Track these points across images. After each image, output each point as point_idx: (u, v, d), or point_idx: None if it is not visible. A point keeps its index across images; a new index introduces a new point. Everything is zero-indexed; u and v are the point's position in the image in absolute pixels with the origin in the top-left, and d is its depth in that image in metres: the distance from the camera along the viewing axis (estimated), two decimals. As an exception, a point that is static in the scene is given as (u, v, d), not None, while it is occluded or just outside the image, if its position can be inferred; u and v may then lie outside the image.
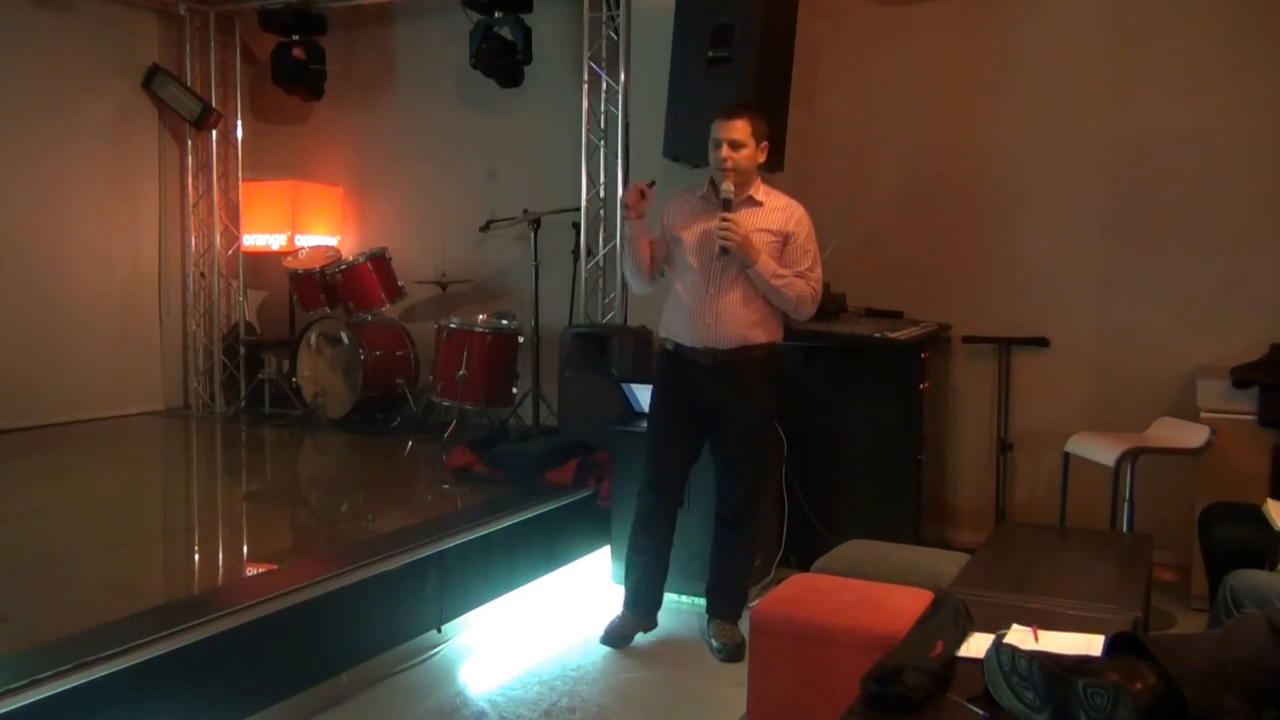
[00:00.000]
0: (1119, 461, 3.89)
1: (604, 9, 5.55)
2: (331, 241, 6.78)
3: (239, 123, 6.95)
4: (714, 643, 3.64)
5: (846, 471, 4.43)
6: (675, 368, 3.63)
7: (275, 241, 6.73)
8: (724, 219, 3.39)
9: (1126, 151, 4.73)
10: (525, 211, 5.68)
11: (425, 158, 6.51)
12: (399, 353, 6.27)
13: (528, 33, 5.80)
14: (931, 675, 1.89)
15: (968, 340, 4.98)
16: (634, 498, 3.77)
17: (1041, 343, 4.89)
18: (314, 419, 6.32)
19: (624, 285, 5.26)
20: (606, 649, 3.68)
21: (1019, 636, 2.05)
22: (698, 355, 3.54)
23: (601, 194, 5.67)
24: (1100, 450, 4.00)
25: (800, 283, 3.49)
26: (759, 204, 3.53)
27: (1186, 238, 4.64)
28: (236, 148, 6.95)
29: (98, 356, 6.49)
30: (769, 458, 3.78)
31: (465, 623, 3.76)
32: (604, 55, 5.59)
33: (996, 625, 2.15)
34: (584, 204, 5.66)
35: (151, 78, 6.67)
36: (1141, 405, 4.51)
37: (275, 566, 3.90)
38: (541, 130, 6.04)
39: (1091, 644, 2.01)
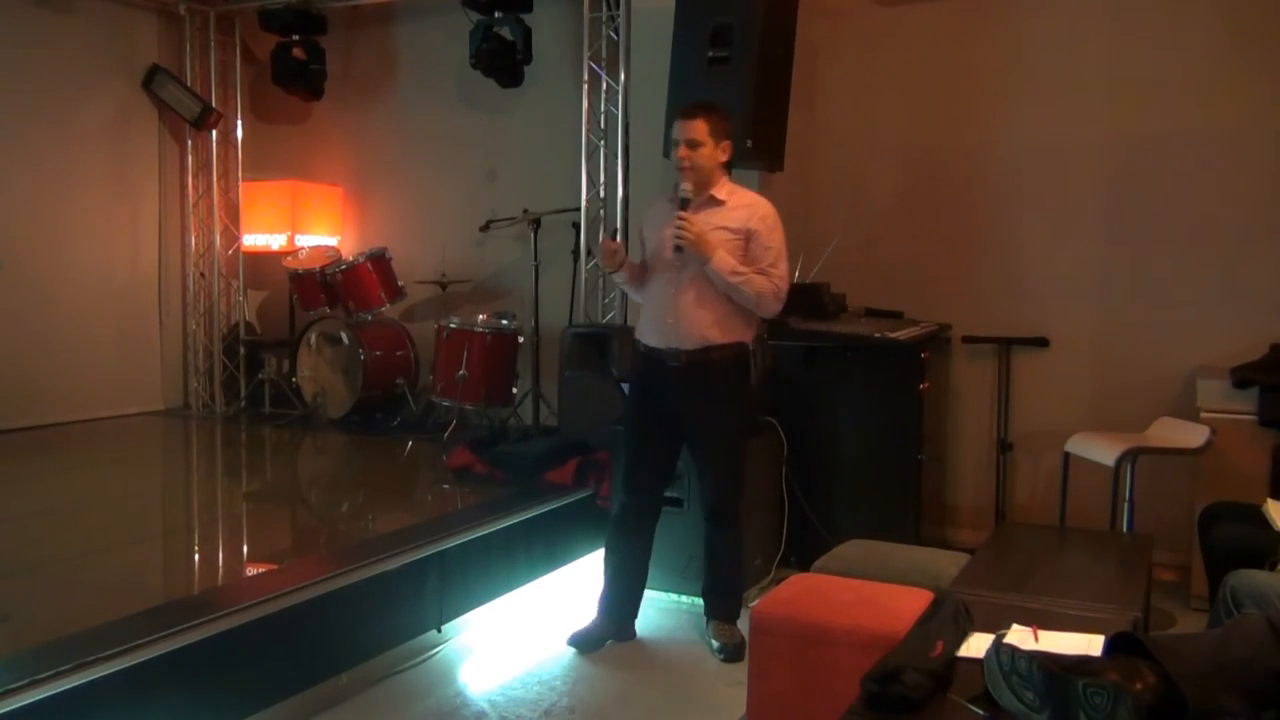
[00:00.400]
0: (1119, 461, 3.89)
1: (604, 9, 5.55)
2: (331, 241, 6.78)
3: (239, 123, 6.95)
4: (714, 643, 3.64)
5: (846, 471, 4.43)
6: (646, 369, 3.64)
7: (275, 241, 6.74)
8: (679, 217, 3.41)
9: (1126, 151, 4.73)
10: (525, 211, 5.68)
11: (425, 158, 6.51)
12: (399, 353, 6.27)
13: (528, 33, 5.80)
14: (931, 675, 1.89)
15: (968, 340, 4.99)
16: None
17: (1041, 343, 4.89)
18: (314, 419, 6.32)
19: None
20: (608, 649, 3.68)
21: (1019, 636, 2.05)
22: (664, 356, 3.55)
23: (601, 194, 5.67)
24: (1100, 450, 4.00)
25: (761, 279, 3.47)
26: (721, 203, 3.54)
27: (1186, 238, 4.64)
28: (236, 148, 6.95)
29: (98, 356, 6.49)
30: (743, 458, 3.72)
31: (465, 623, 3.76)
32: (604, 55, 5.59)
33: (996, 625, 2.15)
34: (584, 204, 5.65)
35: (151, 78, 6.67)
36: (1141, 405, 4.51)
37: (275, 566, 3.90)
38: (541, 130, 6.04)
39: (1091, 644, 2.01)
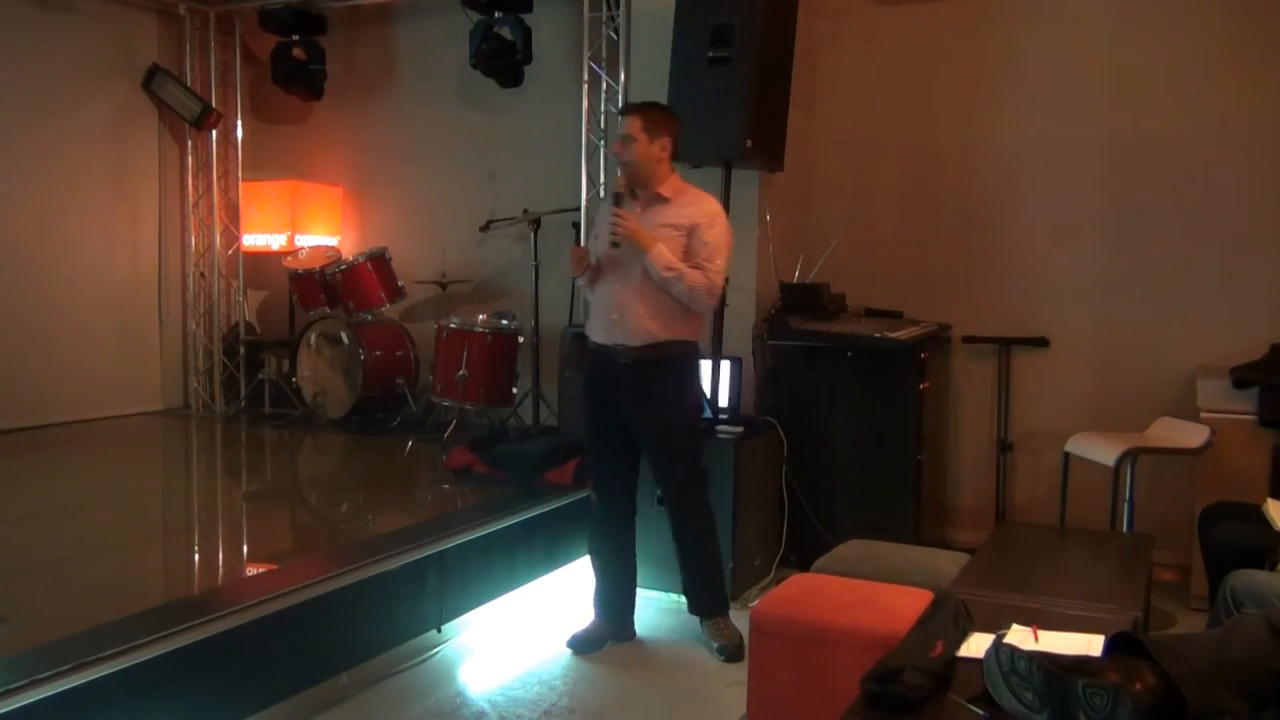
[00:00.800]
0: (1119, 461, 3.89)
1: (604, 9, 5.55)
2: (331, 241, 6.78)
3: (239, 123, 6.95)
4: (713, 644, 3.63)
5: (847, 471, 4.43)
6: (596, 366, 3.65)
7: (275, 241, 6.73)
8: (613, 212, 3.44)
9: (1126, 151, 4.73)
10: (525, 211, 5.68)
11: (425, 158, 6.51)
12: (399, 353, 6.27)
13: (528, 33, 5.80)
14: (931, 675, 1.89)
15: (968, 340, 4.99)
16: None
17: (1041, 343, 4.89)
18: (314, 419, 6.32)
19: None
20: (608, 649, 3.68)
21: (1019, 636, 2.05)
22: (612, 353, 3.56)
23: (601, 194, 5.67)
24: (1100, 450, 4.00)
25: (695, 274, 3.46)
26: (666, 200, 3.55)
27: (1186, 238, 4.64)
28: (236, 148, 6.95)
29: (98, 356, 6.49)
30: (700, 451, 3.71)
31: (465, 623, 3.76)
32: (604, 55, 5.59)
33: (996, 625, 2.15)
34: (584, 204, 5.65)
35: (151, 78, 6.67)
36: (1141, 405, 4.51)
37: (275, 566, 3.89)
38: (541, 130, 6.04)
39: (1091, 644, 2.01)
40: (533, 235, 5.67)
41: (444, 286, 6.13)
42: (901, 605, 2.60)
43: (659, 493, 3.84)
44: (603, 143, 5.63)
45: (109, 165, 6.58)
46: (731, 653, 3.57)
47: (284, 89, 6.60)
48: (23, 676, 2.42)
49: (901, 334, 4.36)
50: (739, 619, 3.66)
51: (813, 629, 2.67)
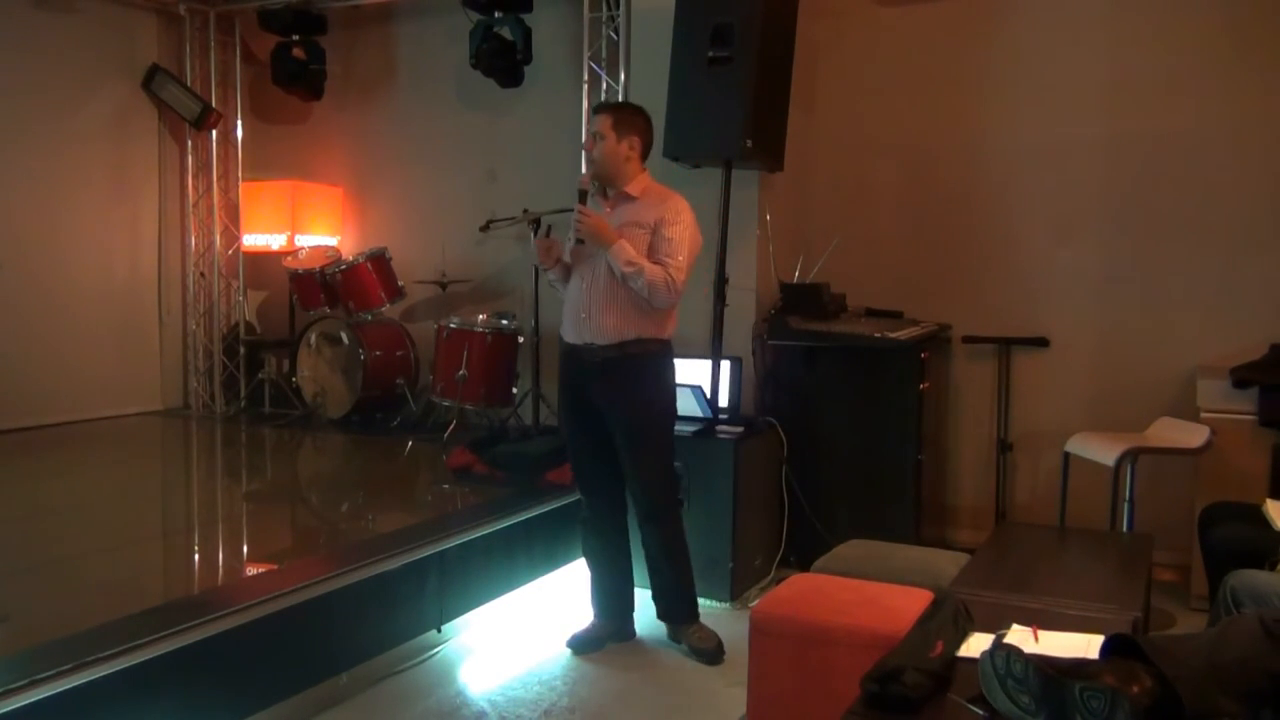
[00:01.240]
0: (1119, 461, 3.89)
1: (604, 9, 5.55)
2: (331, 241, 6.78)
3: (239, 123, 6.95)
4: (693, 650, 3.61)
5: (847, 471, 4.43)
6: (569, 366, 3.65)
7: (275, 241, 6.73)
8: (578, 209, 3.45)
9: (1126, 151, 4.73)
10: (525, 211, 5.68)
11: (425, 158, 6.51)
12: (399, 353, 6.27)
13: (528, 33, 5.80)
14: (931, 675, 1.89)
15: (968, 340, 4.99)
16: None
17: (1041, 343, 4.89)
18: (314, 419, 6.32)
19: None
20: (608, 649, 3.68)
21: (1019, 636, 2.05)
22: (582, 353, 3.56)
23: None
24: (1100, 450, 4.00)
25: (655, 269, 3.45)
26: (633, 199, 3.56)
27: (1186, 238, 4.64)
28: (236, 148, 6.95)
29: (98, 356, 6.49)
30: (671, 453, 3.69)
31: (465, 623, 3.76)
32: (604, 55, 5.59)
33: (996, 625, 2.15)
34: (584, 204, 5.64)
35: (151, 78, 6.67)
36: (1141, 405, 4.51)
37: (275, 566, 3.90)
38: (541, 130, 6.04)
39: (1091, 644, 2.01)
40: (532, 235, 5.66)
41: (444, 286, 6.13)
42: (901, 605, 2.61)
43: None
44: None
45: (109, 165, 6.58)
46: (711, 655, 3.57)
47: (284, 89, 6.60)
48: (23, 676, 2.42)
49: (901, 334, 4.36)
50: (739, 619, 3.66)
51: (813, 629, 2.67)
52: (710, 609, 3.91)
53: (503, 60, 5.82)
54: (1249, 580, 2.53)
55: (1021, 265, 4.94)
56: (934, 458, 4.71)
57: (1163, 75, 4.66)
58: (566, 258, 3.65)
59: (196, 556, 4.06)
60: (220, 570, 3.97)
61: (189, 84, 6.72)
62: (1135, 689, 1.64)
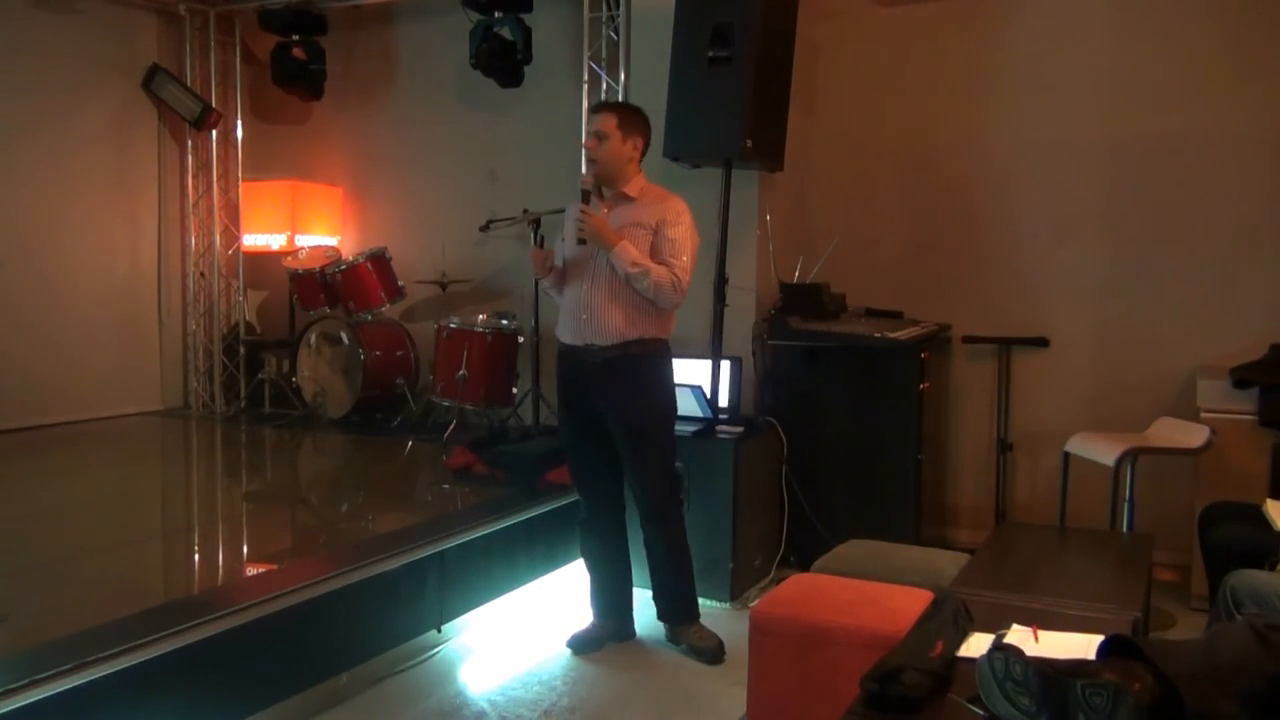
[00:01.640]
0: (1119, 461, 3.89)
1: (604, 9, 5.55)
2: (331, 241, 6.78)
3: (239, 123, 6.95)
4: (694, 650, 3.61)
5: (847, 471, 4.43)
6: (567, 368, 3.64)
7: (275, 241, 6.73)
8: (580, 209, 3.44)
9: (1126, 151, 4.73)
10: (525, 211, 5.67)
11: (425, 158, 6.51)
12: (399, 353, 6.27)
13: (528, 33, 5.80)
14: (931, 675, 1.89)
15: (968, 340, 4.99)
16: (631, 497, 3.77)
17: (1041, 343, 4.89)
18: (314, 419, 6.32)
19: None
20: (608, 649, 3.68)
21: (1019, 637, 2.05)
22: (582, 354, 3.55)
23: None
24: (1100, 450, 4.00)
25: (660, 269, 3.46)
26: (632, 200, 3.56)
27: (1186, 238, 4.64)
28: (236, 148, 6.95)
29: (97, 356, 6.48)
30: (672, 453, 3.69)
31: (465, 623, 3.76)
32: (604, 55, 5.59)
33: (996, 625, 2.15)
34: (584, 204, 5.64)
35: (151, 78, 6.67)
36: (1141, 405, 4.51)
37: (275, 566, 3.90)
38: (541, 130, 6.04)
39: (1091, 644, 2.01)
40: (533, 235, 5.64)
41: (444, 286, 6.13)
42: (901, 605, 2.61)
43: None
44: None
45: (109, 165, 6.58)
46: (713, 654, 3.58)
47: (284, 89, 6.59)
48: (23, 676, 2.42)
49: (901, 334, 4.37)
50: (739, 619, 3.66)
51: (813, 629, 2.67)
52: (710, 609, 3.91)
53: (503, 60, 5.82)
54: (1249, 580, 2.53)
55: (1021, 265, 4.94)
56: (934, 458, 4.71)
57: (1163, 75, 4.66)
58: (558, 261, 3.64)
59: (196, 556, 4.06)
60: (220, 570, 3.96)
61: (189, 84, 6.72)
62: (1137, 686, 1.64)
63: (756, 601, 2.93)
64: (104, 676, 2.55)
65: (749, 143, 4.17)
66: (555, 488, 4.45)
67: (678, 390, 3.77)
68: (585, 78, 5.62)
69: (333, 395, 6.26)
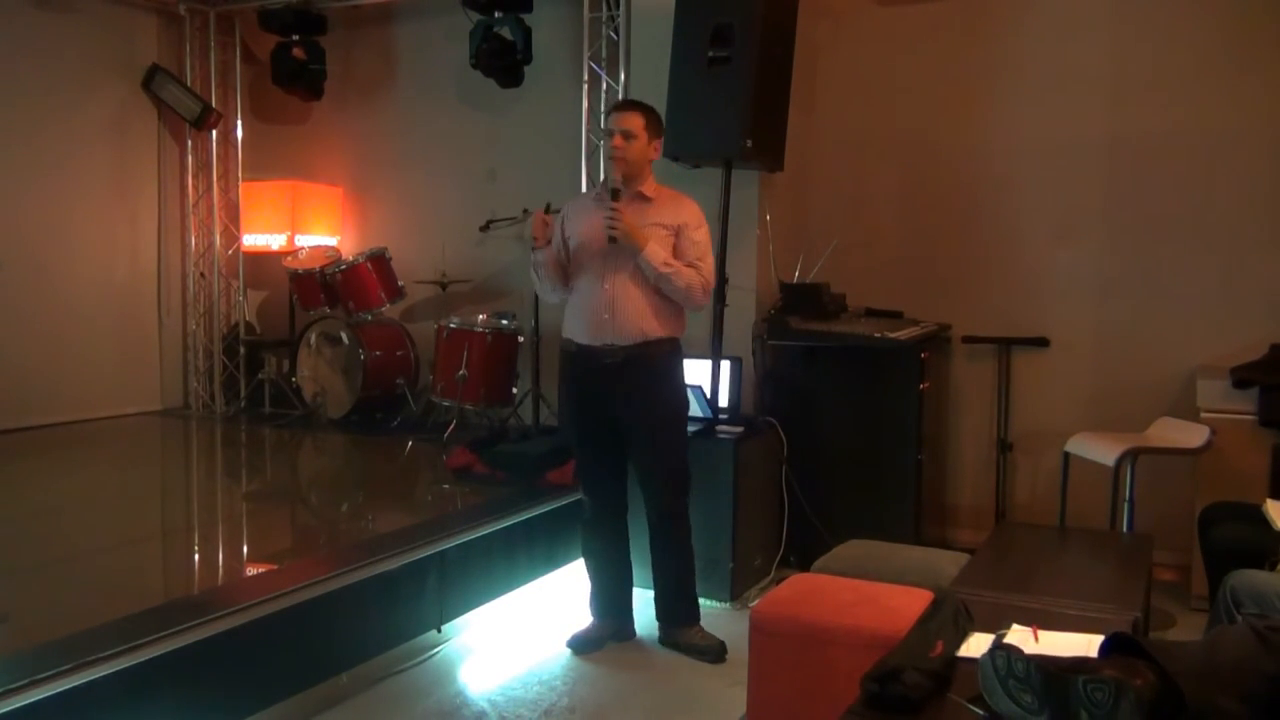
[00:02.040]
0: (1119, 461, 3.89)
1: (604, 9, 5.55)
2: (331, 241, 6.78)
3: (239, 123, 6.95)
4: (697, 650, 3.61)
5: (846, 471, 4.43)
6: (580, 370, 3.62)
7: (275, 241, 6.73)
8: (610, 208, 3.42)
9: (1126, 151, 4.73)
10: (525, 211, 5.68)
11: (425, 158, 6.51)
12: (399, 353, 6.27)
13: (528, 33, 5.80)
14: (931, 675, 1.89)
15: (968, 340, 4.99)
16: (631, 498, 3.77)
17: (1041, 343, 4.89)
18: (314, 419, 6.32)
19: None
20: (608, 649, 3.68)
21: (1019, 636, 2.05)
22: (599, 354, 3.53)
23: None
24: (1100, 450, 4.00)
25: (690, 271, 3.48)
26: (648, 200, 3.56)
27: (1186, 238, 4.64)
28: (236, 148, 6.95)
29: (97, 356, 6.49)
30: (687, 452, 3.69)
31: (465, 623, 3.76)
32: (604, 55, 5.59)
33: (996, 625, 2.15)
34: (584, 204, 5.64)
35: (151, 78, 6.67)
36: (1141, 405, 4.51)
37: (275, 566, 3.89)
38: (541, 130, 6.04)
39: (1091, 644, 2.01)
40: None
41: (444, 286, 6.13)
42: (901, 605, 2.60)
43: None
44: (602, 143, 5.62)
45: (109, 165, 6.58)
46: (716, 654, 3.58)
47: (284, 89, 6.59)
48: (23, 676, 2.42)
49: (901, 334, 4.36)
50: (739, 619, 3.66)
51: (813, 629, 2.67)
52: (710, 609, 3.91)
53: (503, 60, 5.82)
54: (1249, 580, 2.53)
55: (1021, 265, 4.94)
56: (934, 458, 4.71)
57: (1163, 75, 4.66)
58: (557, 248, 3.61)
59: (196, 556, 4.06)
60: (220, 570, 3.96)
61: (189, 84, 6.72)
62: (1139, 682, 1.64)
63: (756, 601, 2.93)
64: (104, 676, 2.54)
65: (749, 143, 4.17)
66: (555, 488, 4.45)
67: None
68: (585, 78, 5.63)
69: (333, 395, 6.26)
